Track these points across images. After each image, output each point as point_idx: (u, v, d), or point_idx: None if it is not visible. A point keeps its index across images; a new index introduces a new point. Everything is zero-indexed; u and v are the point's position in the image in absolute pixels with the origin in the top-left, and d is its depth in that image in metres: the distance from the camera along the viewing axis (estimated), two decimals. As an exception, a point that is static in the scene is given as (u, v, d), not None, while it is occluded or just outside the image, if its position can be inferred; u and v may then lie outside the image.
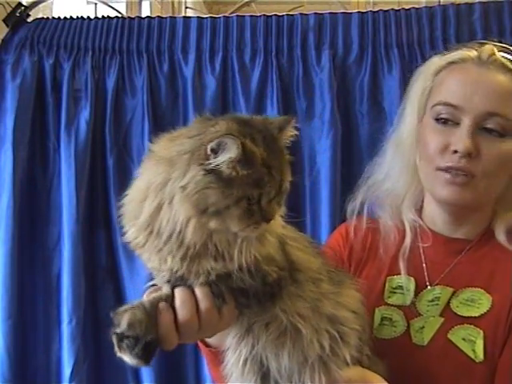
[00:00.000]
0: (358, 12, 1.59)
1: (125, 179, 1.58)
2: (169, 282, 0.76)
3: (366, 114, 1.56)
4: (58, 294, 1.57)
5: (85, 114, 1.58)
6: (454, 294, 0.96)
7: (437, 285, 0.98)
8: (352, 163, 1.56)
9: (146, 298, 0.76)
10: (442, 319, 0.95)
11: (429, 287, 0.99)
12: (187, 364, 1.58)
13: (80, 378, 1.53)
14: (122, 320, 0.72)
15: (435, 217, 1.02)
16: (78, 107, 1.59)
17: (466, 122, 0.91)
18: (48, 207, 1.59)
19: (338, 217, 1.51)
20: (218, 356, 0.86)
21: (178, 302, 0.74)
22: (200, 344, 0.90)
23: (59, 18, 1.64)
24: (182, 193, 0.69)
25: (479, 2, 1.56)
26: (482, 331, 0.91)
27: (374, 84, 1.56)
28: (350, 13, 1.60)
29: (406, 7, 1.57)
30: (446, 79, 0.97)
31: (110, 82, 1.60)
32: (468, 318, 0.93)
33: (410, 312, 0.98)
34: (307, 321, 0.80)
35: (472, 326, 0.92)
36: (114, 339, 0.73)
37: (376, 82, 1.56)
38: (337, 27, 1.57)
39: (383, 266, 1.03)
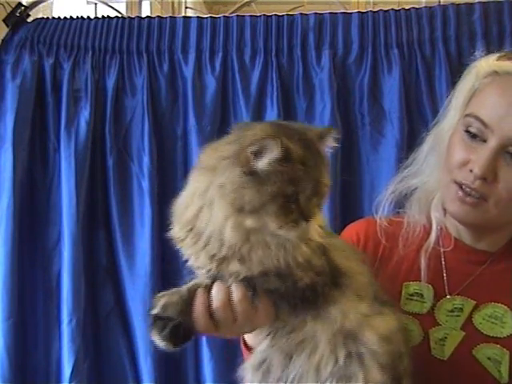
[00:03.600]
0: (358, 12, 1.59)
1: (125, 179, 1.59)
2: (210, 278, 0.79)
3: (366, 113, 1.56)
4: (58, 294, 1.57)
5: (85, 114, 1.58)
6: (476, 307, 0.93)
7: (457, 295, 0.95)
8: (352, 163, 1.56)
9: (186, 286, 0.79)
10: (464, 333, 0.92)
11: (448, 296, 0.95)
12: (187, 364, 1.58)
13: (80, 378, 1.53)
14: (159, 303, 0.76)
15: (457, 223, 0.98)
16: (78, 107, 1.59)
17: (491, 143, 0.87)
18: (48, 207, 1.59)
19: (339, 217, 1.51)
20: None
21: (213, 291, 0.77)
22: (243, 347, 0.90)
23: (59, 17, 1.64)
24: (219, 192, 0.72)
25: (479, 2, 1.56)
26: (508, 352, 0.89)
27: (374, 84, 1.56)
28: (350, 13, 1.60)
29: (406, 7, 1.57)
30: (486, 89, 0.91)
31: (110, 82, 1.60)
32: (493, 337, 0.91)
33: (428, 321, 0.94)
34: (326, 327, 0.79)
35: (498, 345, 0.90)
36: (149, 321, 0.76)
37: (376, 81, 1.56)
38: (337, 27, 1.57)
39: (399, 271, 0.99)
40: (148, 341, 1.53)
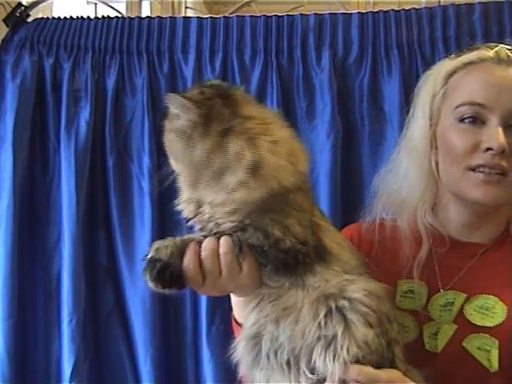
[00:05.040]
0: (358, 12, 1.59)
1: (125, 179, 1.59)
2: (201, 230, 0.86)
3: (366, 114, 1.56)
4: (58, 294, 1.57)
5: (85, 114, 1.58)
6: (467, 299, 0.95)
7: (449, 289, 0.97)
8: (352, 164, 1.56)
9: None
10: (456, 326, 0.94)
11: (441, 291, 0.97)
12: (187, 364, 1.58)
13: (80, 378, 1.53)
14: (153, 246, 0.83)
15: (452, 221, 1.00)
16: (78, 107, 1.58)
17: (495, 120, 0.91)
18: (48, 207, 1.59)
19: (339, 217, 1.51)
20: None
21: (204, 245, 0.83)
22: (234, 324, 0.96)
23: (59, 18, 1.64)
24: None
25: (479, 3, 1.56)
26: (497, 341, 0.91)
27: (374, 84, 1.56)
28: (350, 13, 1.60)
29: (406, 7, 1.57)
30: (465, 80, 0.95)
31: (110, 82, 1.60)
32: (483, 327, 0.92)
33: (422, 317, 0.96)
34: (309, 294, 0.83)
35: (487, 335, 0.91)
36: (144, 263, 0.82)
37: (376, 82, 1.56)
38: (337, 27, 1.57)
39: (393, 269, 1.00)
40: (148, 341, 1.54)
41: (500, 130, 0.90)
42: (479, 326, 0.93)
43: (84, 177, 1.57)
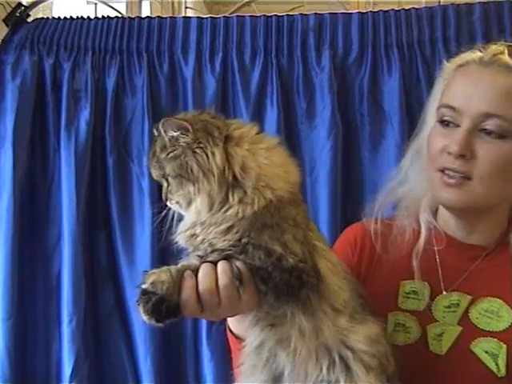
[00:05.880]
0: (358, 12, 1.59)
1: (125, 179, 1.59)
2: (198, 257, 0.82)
3: (366, 114, 1.56)
4: (58, 294, 1.57)
5: (85, 114, 1.58)
6: (472, 302, 0.95)
7: (453, 291, 0.97)
8: (352, 163, 1.56)
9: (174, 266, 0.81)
10: (461, 328, 0.94)
11: (445, 292, 0.97)
12: (187, 364, 1.58)
13: (80, 378, 1.53)
14: (149, 279, 0.79)
15: (448, 222, 1.01)
16: (78, 107, 1.58)
17: (464, 124, 0.90)
18: (48, 207, 1.59)
19: (339, 217, 1.51)
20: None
21: (200, 274, 0.79)
22: (229, 333, 0.94)
23: (59, 18, 1.64)
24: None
25: (479, 2, 1.56)
26: (505, 345, 0.90)
27: (374, 84, 1.56)
28: (350, 13, 1.60)
29: (406, 7, 1.57)
30: (452, 82, 0.96)
31: (110, 82, 1.60)
32: (489, 331, 0.92)
33: (425, 318, 0.96)
34: (305, 341, 0.82)
35: (495, 339, 0.91)
36: (138, 294, 0.80)
37: (376, 82, 1.56)
38: (337, 27, 1.57)
39: (396, 270, 1.00)
40: (148, 341, 1.54)
41: (464, 134, 0.89)
42: (486, 330, 0.92)
43: (84, 177, 1.57)
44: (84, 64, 1.60)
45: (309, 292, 0.81)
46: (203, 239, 0.82)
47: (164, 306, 0.77)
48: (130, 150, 1.60)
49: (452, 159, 0.90)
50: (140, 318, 1.58)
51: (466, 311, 0.95)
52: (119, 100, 1.60)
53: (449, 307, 0.96)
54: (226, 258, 0.80)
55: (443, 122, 0.94)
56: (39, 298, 1.59)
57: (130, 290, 1.58)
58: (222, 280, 0.78)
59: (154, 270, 0.80)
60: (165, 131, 0.84)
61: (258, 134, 0.87)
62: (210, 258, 0.80)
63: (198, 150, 0.82)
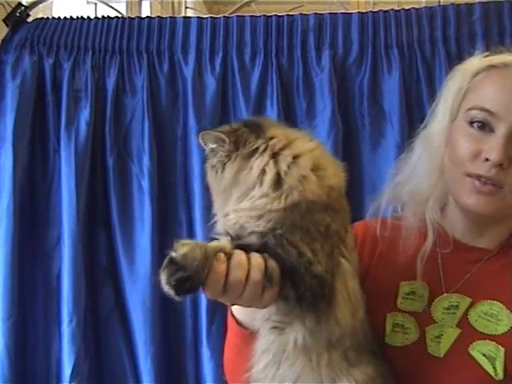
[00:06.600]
0: (358, 12, 1.59)
1: (125, 179, 1.59)
2: (227, 234, 0.81)
3: (366, 114, 1.56)
4: (58, 294, 1.57)
5: (85, 114, 1.57)
6: (471, 304, 0.94)
7: (454, 292, 0.96)
8: (352, 163, 1.56)
9: (210, 243, 0.79)
10: (459, 330, 0.93)
11: (445, 294, 0.96)
12: (187, 364, 1.58)
13: (80, 378, 1.53)
14: (181, 249, 0.74)
15: (457, 223, 0.99)
16: (78, 107, 1.58)
17: (502, 131, 0.88)
18: (48, 207, 1.59)
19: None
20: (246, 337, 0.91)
21: (234, 261, 0.76)
22: (230, 317, 0.95)
23: (59, 18, 1.63)
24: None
25: (479, 2, 1.56)
26: (503, 349, 0.90)
27: (374, 84, 1.56)
28: (350, 13, 1.60)
29: (406, 7, 1.57)
30: (484, 83, 0.93)
31: (110, 82, 1.60)
32: (488, 334, 0.91)
33: (424, 319, 0.95)
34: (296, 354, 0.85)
35: (493, 342, 0.90)
36: (166, 260, 0.75)
37: (376, 82, 1.56)
38: (337, 27, 1.57)
39: (396, 271, 0.99)
40: (148, 341, 1.54)
41: (503, 141, 0.87)
42: (484, 333, 0.92)
43: (84, 177, 1.57)
44: (84, 64, 1.60)
45: (324, 306, 0.80)
46: (235, 222, 0.82)
47: (188, 283, 0.74)
48: (130, 150, 1.60)
49: (487, 167, 0.88)
50: (140, 318, 1.60)
51: (466, 313, 0.94)
52: (119, 100, 1.60)
53: (448, 309, 0.95)
54: (261, 249, 0.78)
55: (473, 124, 0.91)
56: (39, 297, 1.59)
57: (130, 290, 1.58)
58: (254, 276, 0.76)
59: (188, 241, 0.76)
60: (205, 144, 0.91)
61: (291, 140, 0.88)
62: (246, 240, 0.79)
63: (227, 162, 0.87)
